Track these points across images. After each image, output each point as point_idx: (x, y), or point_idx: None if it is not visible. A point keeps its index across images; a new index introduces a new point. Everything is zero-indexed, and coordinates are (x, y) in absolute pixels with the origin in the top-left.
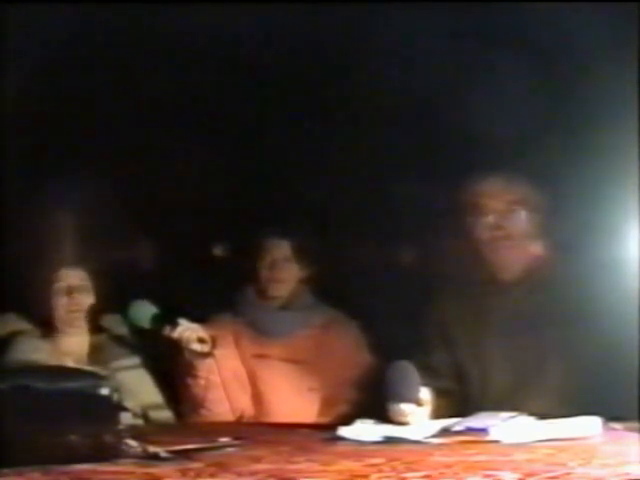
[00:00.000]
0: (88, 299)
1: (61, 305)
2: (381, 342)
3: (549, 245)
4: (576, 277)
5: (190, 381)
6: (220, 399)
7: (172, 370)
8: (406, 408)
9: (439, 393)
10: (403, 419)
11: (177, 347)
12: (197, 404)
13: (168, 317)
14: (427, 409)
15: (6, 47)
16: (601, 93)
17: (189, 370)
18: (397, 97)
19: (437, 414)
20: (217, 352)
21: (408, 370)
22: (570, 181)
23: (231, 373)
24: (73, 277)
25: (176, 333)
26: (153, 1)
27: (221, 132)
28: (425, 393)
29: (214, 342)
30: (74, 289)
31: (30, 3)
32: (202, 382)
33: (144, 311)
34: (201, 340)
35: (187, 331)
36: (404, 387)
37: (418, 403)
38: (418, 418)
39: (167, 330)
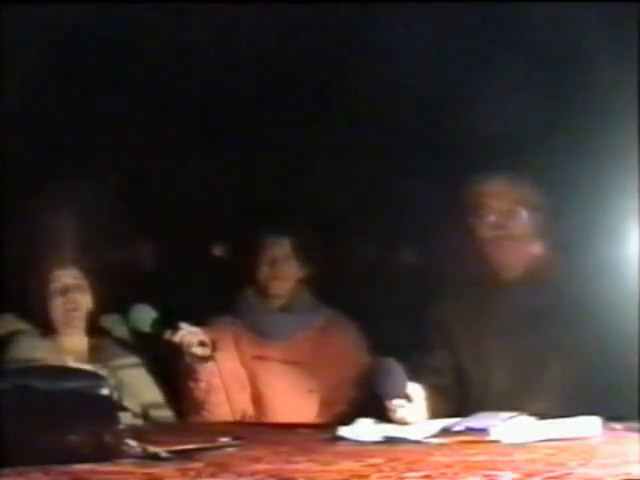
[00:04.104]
0: (85, 298)
1: (58, 305)
2: (381, 342)
3: (550, 245)
4: (577, 277)
5: (191, 384)
6: (221, 402)
7: (173, 373)
8: (396, 404)
9: (439, 391)
10: (395, 415)
11: (178, 351)
12: (198, 407)
13: (168, 321)
14: (420, 404)
15: (6, 47)
16: (601, 93)
17: (190, 374)
18: (398, 97)
19: (437, 413)
20: (217, 355)
21: (391, 367)
22: (571, 181)
23: (231, 375)
24: (69, 277)
25: (177, 337)
26: (154, 1)
27: (221, 131)
28: (416, 388)
29: (215, 345)
30: (70, 289)
31: (30, 3)
32: (203, 385)
33: (144, 315)
34: (202, 344)
35: (188, 335)
36: (389, 384)
37: (407, 398)
38: (411, 413)
39: (168, 334)
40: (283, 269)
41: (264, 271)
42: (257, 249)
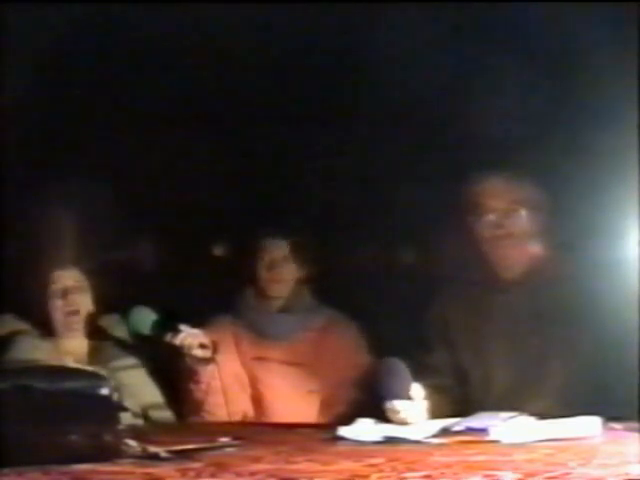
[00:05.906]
0: (85, 300)
1: (57, 307)
2: (381, 343)
3: (550, 244)
4: (576, 277)
5: (192, 386)
6: (221, 403)
7: (173, 375)
8: (399, 405)
9: (439, 392)
10: (397, 416)
11: (179, 353)
12: (198, 408)
13: (168, 323)
14: (422, 405)
15: (6, 47)
16: (601, 93)
17: (191, 376)
18: (398, 97)
19: (437, 413)
20: (218, 356)
21: (397, 367)
22: (570, 181)
23: (232, 376)
24: (68, 278)
25: (178, 340)
26: (154, 0)
27: (220, 132)
28: (418, 389)
29: (215, 347)
30: (70, 290)
31: (30, 3)
32: (204, 387)
33: (144, 318)
34: (203, 346)
35: (189, 337)
36: (394, 384)
37: (409, 399)
38: (413, 414)
39: (169, 337)
40: (282, 271)
41: (263, 273)
42: (256, 251)
